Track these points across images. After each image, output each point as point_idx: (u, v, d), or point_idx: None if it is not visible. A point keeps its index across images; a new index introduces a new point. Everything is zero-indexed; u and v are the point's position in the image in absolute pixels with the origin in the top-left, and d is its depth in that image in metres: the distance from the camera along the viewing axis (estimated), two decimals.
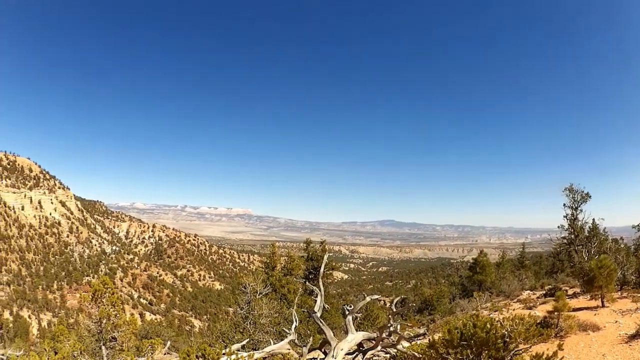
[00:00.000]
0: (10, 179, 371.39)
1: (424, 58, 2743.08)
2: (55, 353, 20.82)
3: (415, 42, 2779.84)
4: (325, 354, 21.18)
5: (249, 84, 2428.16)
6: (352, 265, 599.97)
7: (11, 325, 79.75)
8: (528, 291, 46.47)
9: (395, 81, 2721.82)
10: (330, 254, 30.78)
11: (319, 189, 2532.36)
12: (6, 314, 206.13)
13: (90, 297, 21.07)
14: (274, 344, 23.87)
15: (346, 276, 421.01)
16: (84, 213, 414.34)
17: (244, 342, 24.76)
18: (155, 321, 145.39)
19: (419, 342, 18.84)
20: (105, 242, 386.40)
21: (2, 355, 20.71)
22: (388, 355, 18.83)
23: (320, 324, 20.97)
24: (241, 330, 34.87)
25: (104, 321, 20.24)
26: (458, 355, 12.62)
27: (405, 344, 18.57)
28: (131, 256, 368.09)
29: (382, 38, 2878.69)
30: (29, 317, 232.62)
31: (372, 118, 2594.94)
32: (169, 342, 33.86)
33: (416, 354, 14.93)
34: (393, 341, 19.53)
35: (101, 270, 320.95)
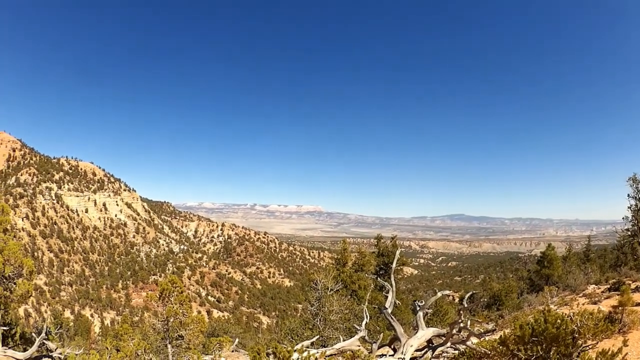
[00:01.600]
0: (72, 183, 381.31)
1: (505, 52, 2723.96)
2: (118, 351, 21.17)
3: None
4: (395, 350, 21.18)
5: (319, 84, 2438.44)
6: (421, 261, 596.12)
7: (72, 324, 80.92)
8: (593, 285, 45.50)
9: (468, 75, 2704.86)
10: (401, 250, 30.57)
11: (389, 184, 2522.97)
12: (67, 313, 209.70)
13: (158, 295, 21.43)
14: (344, 340, 23.92)
15: (416, 272, 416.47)
16: (151, 214, 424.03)
17: (314, 339, 24.91)
18: (223, 318, 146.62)
19: (487, 338, 18.72)
20: (173, 241, 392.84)
21: (60, 354, 21.17)
22: (457, 352, 18.77)
23: (391, 320, 21.00)
24: (310, 327, 35.01)
25: (171, 319, 20.57)
26: (528, 352, 12.58)
27: (475, 340, 18.50)
28: (200, 255, 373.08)
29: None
30: (91, 316, 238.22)
31: (443, 112, 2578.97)
32: (236, 340, 34.14)
33: (486, 350, 14.93)
34: (463, 337, 19.46)
35: (168, 269, 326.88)
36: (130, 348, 19.89)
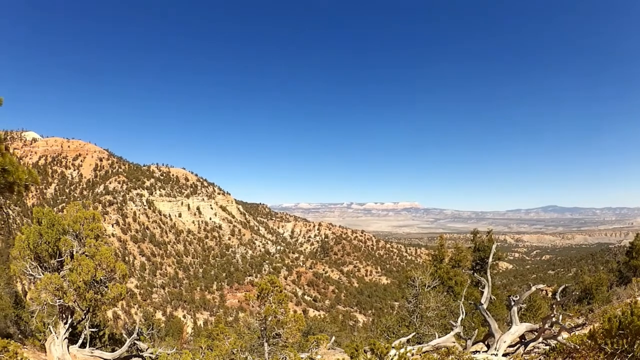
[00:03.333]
0: (164, 189, 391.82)
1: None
2: (211, 350, 21.59)
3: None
4: (488, 346, 21.20)
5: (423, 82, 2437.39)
6: (516, 255, 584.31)
7: (163, 325, 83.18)
8: None
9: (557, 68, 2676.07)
10: (496, 244, 30.61)
11: (484, 178, 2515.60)
12: (158, 315, 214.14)
13: (257, 295, 21.87)
14: (439, 337, 23.98)
15: (510, 266, 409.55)
16: (247, 216, 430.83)
17: (410, 336, 25.01)
18: (319, 317, 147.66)
19: (577, 332, 18.57)
20: (269, 242, 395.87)
21: (151, 354, 21.74)
22: (547, 348, 18.69)
23: (486, 316, 21.03)
24: (407, 324, 35.15)
25: (269, 318, 20.98)
26: (614, 345, 12.52)
27: (565, 335, 18.41)
28: (296, 255, 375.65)
29: None
30: (184, 317, 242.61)
31: (536, 105, 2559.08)
32: (333, 338, 34.51)
33: (575, 344, 14.86)
34: (554, 332, 19.31)
35: (264, 270, 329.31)
36: (225, 347, 20.38)
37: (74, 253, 18.42)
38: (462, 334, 24.11)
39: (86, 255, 18.12)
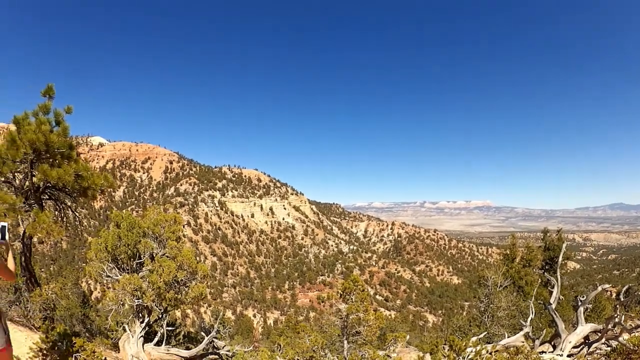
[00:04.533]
0: (237, 190, 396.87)
1: None
2: (280, 347, 22.00)
3: None
4: (554, 347, 21.27)
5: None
6: (583, 254, 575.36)
7: (233, 323, 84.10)
8: None
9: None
10: (566, 243, 30.66)
11: (554, 175, 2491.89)
12: (228, 314, 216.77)
13: (339, 294, 22.31)
14: (508, 337, 24.10)
15: (578, 266, 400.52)
16: (320, 216, 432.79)
17: (481, 335, 25.16)
18: (390, 317, 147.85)
19: (636, 334, 18.57)
20: (342, 242, 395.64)
21: (228, 351, 22.23)
22: (609, 349, 18.73)
23: (554, 316, 21.07)
24: (478, 324, 35.27)
25: (351, 316, 21.35)
26: None
27: (626, 335, 18.45)
28: (369, 254, 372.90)
29: None
30: (254, 316, 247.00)
31: (606, 106, 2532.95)
32: (407, 336, 34.90)
33: (634, 346, 14.93)
34: (616, 333, 19.35)
35: (337, 270, 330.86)
36: (305, 344, 20.77)
37: (155, 255, 18.99)
38: (530, 334, 24.22)
39: (167, 257, 18.66)
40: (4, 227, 6.94)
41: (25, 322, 17.31)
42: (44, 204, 20.29)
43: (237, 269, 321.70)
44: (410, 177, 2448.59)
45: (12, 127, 19.61)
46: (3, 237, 6.84)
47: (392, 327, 52.73)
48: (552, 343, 22.26)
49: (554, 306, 21.84)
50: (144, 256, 18.98)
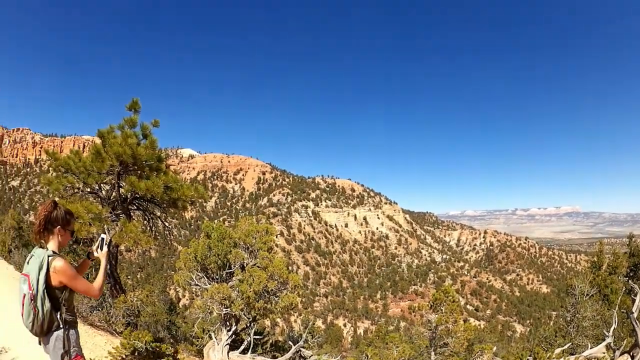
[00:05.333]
0: (330, 200, 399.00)
1: None
2: (367, 358, 22.10)
3: None
4: (632, 357, 20.90)
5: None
6: None
7: (322, 332, 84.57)
8: None
9: None
10: None
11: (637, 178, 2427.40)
12: (319, 323, 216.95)
13: (429, 304, 22.30)
14: (591, 347, 23.73)
15: None
16: (413, 225, 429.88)
17: (565, 347, 24.81)
18: (479, 327, 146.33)
19: None
20: (435, 251, 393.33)
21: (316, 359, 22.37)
22: None
23: (635, 326, 20.61)
24: (563, 334, 34.75)
25: (440, 327, 21.31)
26: None
27: None
28: (461, 263, 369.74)
29: None
30: (344, 325, 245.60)
31: None
32: (494, 348, 34.59)
33: None
34: None
35: (429, 279, 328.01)
36: (393, 356, 20.82)
37: (245, 265, 19.33)
38: (612, 344, 23.78)
39: (258, 267, 19.01)
40: (103, 239, 6.82)
41: (107, 327, 17.84)
42: (132, 214, 20.79)
43: (330, 279, 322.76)
44: (502, 184, 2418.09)
45: (97, 140, 20.17)
46: (101, 249, 6.76)
47: (481, 338, 52.26)
48: (631, 353, 21.86)
49: (635, 315, 21.40)
50: (235, 266, 19.38)
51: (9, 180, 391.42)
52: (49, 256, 5.65)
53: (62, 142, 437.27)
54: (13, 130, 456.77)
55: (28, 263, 5.75)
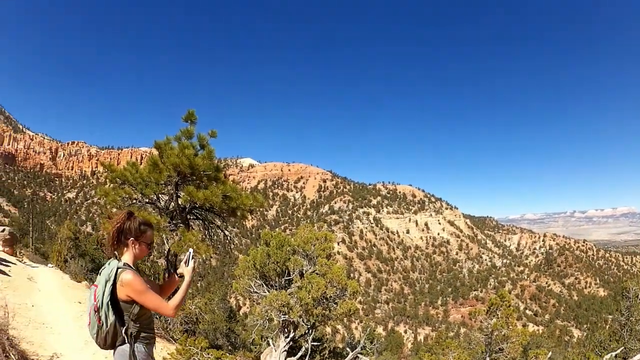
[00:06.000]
0: (391, 206, 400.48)
1: None
2: None
3: None
4: None
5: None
6: None
7: (383, 339, 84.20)
8: None
9: None
10: None
11: None
12: (379, 329, 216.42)
13: (486, 310, 22.33)
14: None
15: None
16: (474, 230, 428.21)
17: (618, 351, 24.62)
18: (537, 332, 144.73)
19: None
20: (495, 256, 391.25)
21: None
22: None
23: None
24: (617, 338, 34.41)
25: (495, 333, 21.32)
26: None
27: None
28: (521, 268, 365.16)
29: None
30: (405, 332, 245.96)
31: None
32: (550, 353, 34.33)
33: None
34: None
35: (490, 284, 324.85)
36: None
37: (304, 272, 19.54)
38: None
39: (317, 274, 19.20)
40: (190, 253, 6.21)
41: (164, 333, 18.13)
42: (191, 224, 21.03)
43: (391, 285, 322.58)
44: (561, 186, 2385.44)
45: (154, 152, 20.49)
46: (187, 264, 6.17)
47: (538, 343, 51.87)
48: None
49: None
50: (293, 273, 19.67)
51: (64, 192, 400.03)
52: (118, 268, 5.35)
53: (119, 154, 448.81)
54: (68, 143, 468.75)
55: (100, 274, 5.51)
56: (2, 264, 24.12)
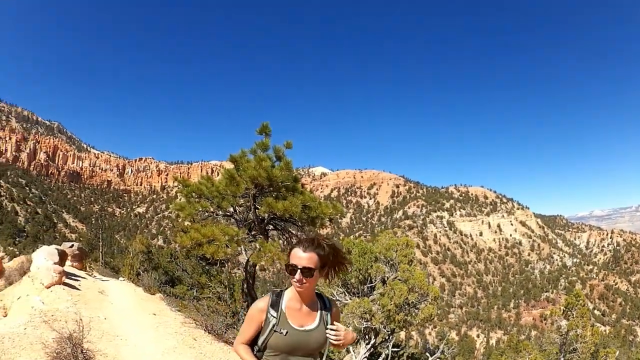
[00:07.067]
0: (464, 209, 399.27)
1: None
2: None
3: None
4: None
5: None
6: None
7: (456, 344, 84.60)
8: None
9: None
10: None
11: None
12: (452, 334, 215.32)
13: (562, 310, 22.26)
14: None
15: None
16: (545, 229, 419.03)
17: None
18: (604, 332, 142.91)
19: None
20: (566, 255, 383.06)
21: None
22: None
23: None
24: None
25: (570, 333, 21.23)
26: None
27: None
28: (590, 267, 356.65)
29: None
30: (477, 336, 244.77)
31: None
32: (617, 352, 33.96)
33: None
34: None
35: (560, 285, 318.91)
36: None
37: (386, 278, 19.65)
38: None
39: (399, 280, 19.30)
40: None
41: None
42: (268, 234, 21.22)
43: (465, 289, 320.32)
44: (627, 179, 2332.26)
45: (227, 165, 20.79)
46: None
47: (605, 344, 51.28)
48: None
49: None
50: (375, 280, 19.79)
51: (133, 207, 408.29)
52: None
53: (188, 168, 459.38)
54: (135, 160, 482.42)
55: None
56: (72, 279, 24.59)
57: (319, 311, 4.83)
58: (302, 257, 4.56)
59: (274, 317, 4.62)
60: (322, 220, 20.58)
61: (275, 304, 4.69)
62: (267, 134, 20.05)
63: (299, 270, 4.52)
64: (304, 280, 4.54)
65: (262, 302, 4.71)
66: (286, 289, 4.86)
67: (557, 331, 22.35)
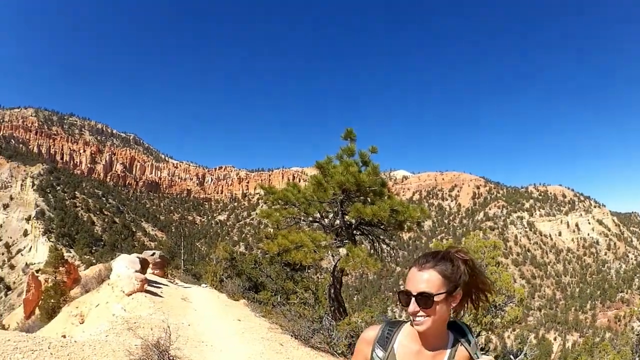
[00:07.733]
0: (543, 209, 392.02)
1: None
2: None
3: None
4: None
5: None
6: None
7: (534, 347, 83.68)
8: None
9: None
10: None
11: None
12: (530, 337, 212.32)
13: (638, 310, 21.93)
14: None
15: None
16: (621, 227, 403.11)
17: None
18: None
19: None
20: None
21: None
22: None
23: None
24: None
25: None
26: None
27: None
28: None
29: None
30: (554, 339, 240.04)
31: None
32: None
33: None
34: None
35: (635, 284, 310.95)
36: None
37: None
38: None
39: None
40: None
41: (328, 348, 18.35)
42: (356, 239, 21.21)
43: (544, 291, 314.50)
44: None
45: (309, 171, 20.89)
46: None
47: None
48: None
49: None
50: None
51: (214, 215, 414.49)
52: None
53: (269, 175, 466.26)
54: (215, 169, 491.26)
55: None
56: (153, 286, 25.00)
57: (447, 350, 3.30)
58: (417, 279, 3.13)
59: (379, 358, 3.38)
60: (410, 224, 20.47)
61: (384, 340, 3.43)
62: (352, 139, 20.19)
63: (412, 299, 3.07)
64: (421, 313, 3.06)
65: (370, 332, 3.54)
66: (407, 321, 3.41)
67: (632, 331, 22.01)
